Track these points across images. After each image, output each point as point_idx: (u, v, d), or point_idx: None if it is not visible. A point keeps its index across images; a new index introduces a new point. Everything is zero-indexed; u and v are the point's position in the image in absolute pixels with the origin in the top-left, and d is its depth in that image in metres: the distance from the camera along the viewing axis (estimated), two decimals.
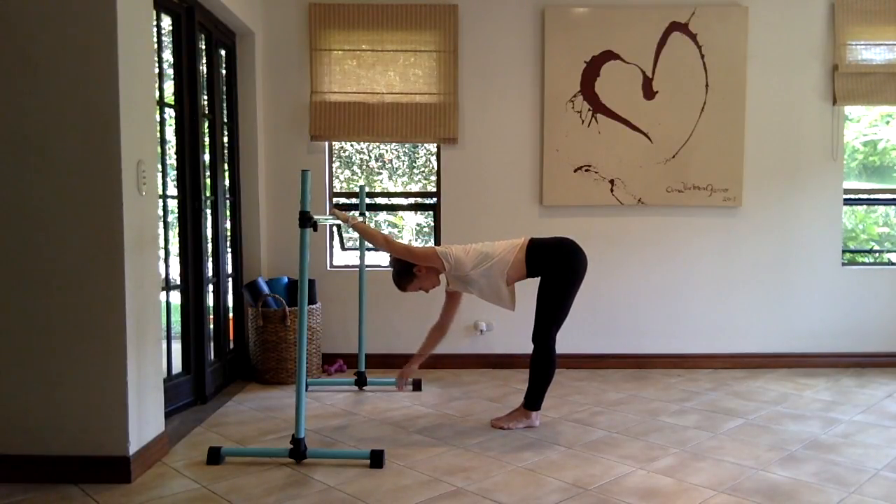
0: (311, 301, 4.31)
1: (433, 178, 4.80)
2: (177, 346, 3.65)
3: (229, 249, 4.30)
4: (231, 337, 4.35)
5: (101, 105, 2.62)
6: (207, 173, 3.94)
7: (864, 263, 5.05)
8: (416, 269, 3.30)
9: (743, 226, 4.62)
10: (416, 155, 5.13)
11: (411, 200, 4.89)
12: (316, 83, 4.48)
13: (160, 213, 3.16)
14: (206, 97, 3.94)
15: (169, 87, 3.57)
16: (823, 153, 4.61)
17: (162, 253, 3.24)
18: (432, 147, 4.80)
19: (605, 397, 3.93)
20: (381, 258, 4.84)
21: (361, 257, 4.12)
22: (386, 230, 5.39)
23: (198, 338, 3.73)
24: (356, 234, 3.78)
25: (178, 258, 3.68)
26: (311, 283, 4.28)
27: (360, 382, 4.06)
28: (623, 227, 4.61)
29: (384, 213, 5.32)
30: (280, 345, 4.17)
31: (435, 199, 4.70)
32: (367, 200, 4.61)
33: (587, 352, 4.61)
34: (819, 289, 4.65)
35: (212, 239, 3.98)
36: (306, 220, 2.84)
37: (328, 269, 4.64)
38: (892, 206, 5.26)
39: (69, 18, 2.59)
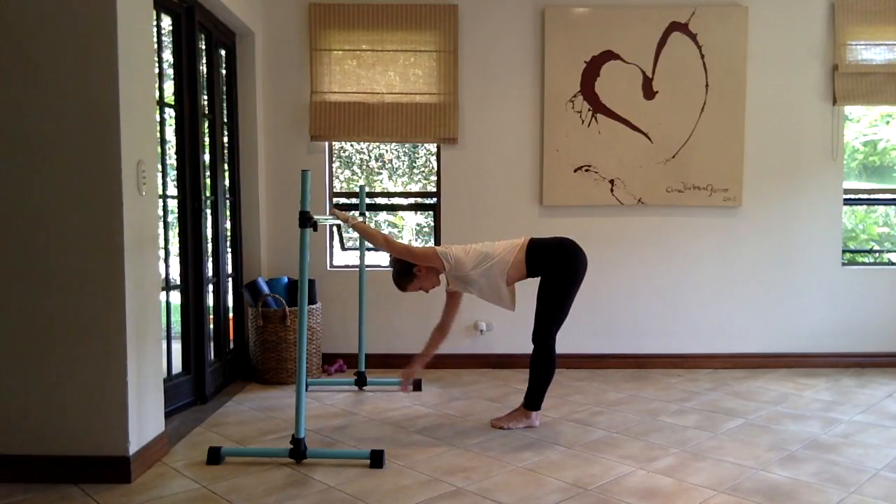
0: (311, 301, 4.31)
1: (433, 178, 4.80)
2: (177, 346, 3.66)
3: (229, 249, 4.30)
4: (231, 337, 4.35)
5: (101, 105, 2.62)
6: (207, 173, 3.94)
7: (864, 263, 5.05)
8: (416, 269, 3.30)
9: (743, 226, 4.62)
10: (416, 155, 5.13)
11: (411, 200, 4.89)
12: (316, 83, 4.48)
13: (160, 213, 3.16)
14: (206, 97, 3.94)
15: (169, 87, 3.57)
16: (823, 153, 4.61)
17: (162, 253, 3.24)
18: (432, 147, 4.80)
19: (605, 397, 3.93)
20: (381, 258, 4.84)
21: (361, 257, 4.12)
22: (386, 230, 5.39)
23: (198, 338, 3.73)
24: (356, 234, 3.78)
25: (178, 258, 3.68)
26: (311, 283, 4.28)
27: (360, 382, 4.06)
28: (623, 227, 4.61)
29: (384, 213, 5.32)
30: (280, 345, 4.17)
31: (435, 199, 4.70)
32: (367, 200, 4.61)
33: (587, 352, 4.61)
34: (819, 289, 4.65)
35: (212, 239, 3.98)
36: (306, 220, 2.84)
37: (328, 269, 4.64)
38: (892, 206, 5.26)
39: (69, 18, 2.59)
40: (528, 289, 3.37)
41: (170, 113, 3.55)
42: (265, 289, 4.24)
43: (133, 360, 2.72)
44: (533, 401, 3.36)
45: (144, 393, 2.82)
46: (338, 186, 4.80)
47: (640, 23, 4.48)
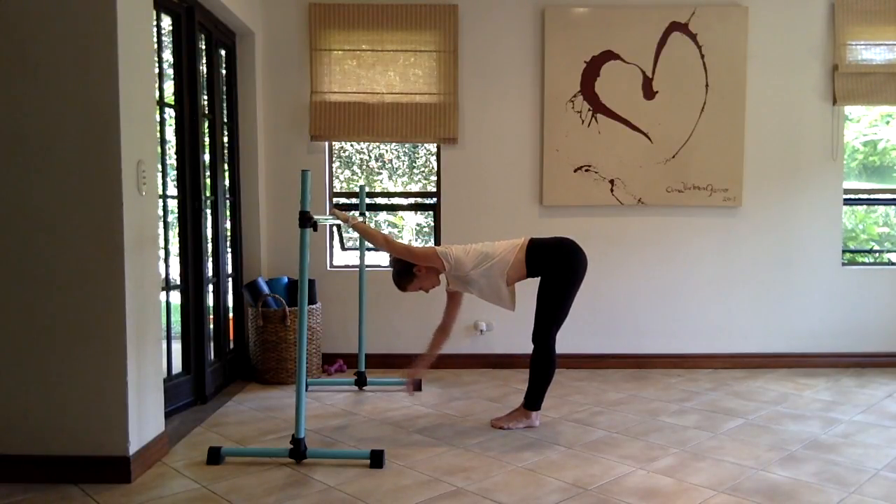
0: (311, 301, 4.31)
1: (433, 178, 4.80)
2: (177, 346, 3.66)
3: (229, 249, 4.30)
4: (231, 337, 4.35)
5: (101, 105, 2.62)
6: (207, 173, 3.94)
7: (864, 263, 5.06)
8: (416, 269, 3.30)
9: (743, 226, 4.62)
10: (416, 155, 5.13)
11: (411, 200, 4.89)
12: (316, 83, 4.48)
13: (160, 213, 3.16)
14: (206, 97, 3.94)
15: (169, 87, 3.57)
16: (823, 153, 4.61)
17: (162, 253, 3.24)
18: (432, 147, 4.80)
19: (605, 397, 3.93)
20: (381, 258, 4.84)
21: (361, 257, 4.12)
22: (386, 230, 5.39)
23: (198, 338, 3.73)
24: (356, 234, 3.78)
25: (178, 258, 3.68)
26: (311, 283, 4.28)
27: (360, 382, 4.06)
28: (623, 227, 4.61)
29: (384, 213, 5.32)
30: (280, 345, 4.17)
31: (435, 199, 4.70)
32: (367, 200, 4.61)
33: (587, 352, 4.61)
34: (819, 289, 4.65)
35: (212, 239, 3.98)
36: (306, 220, 2.84)
37: (328, 269, 4.64)
38: (892, 206, 5.26)
39: (69, 18, 2.59)
40: (528, 289, 3.37)
41: (170, 113, 3.55)
42: (265, 289, 4.24)
43: (133, 360, 2.72)
44: (533, 401, 3.36)
45: (144, 393, 2.82)
46: (338, 186, 4.80)
47: (640, 23, 4.48)
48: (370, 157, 5.16)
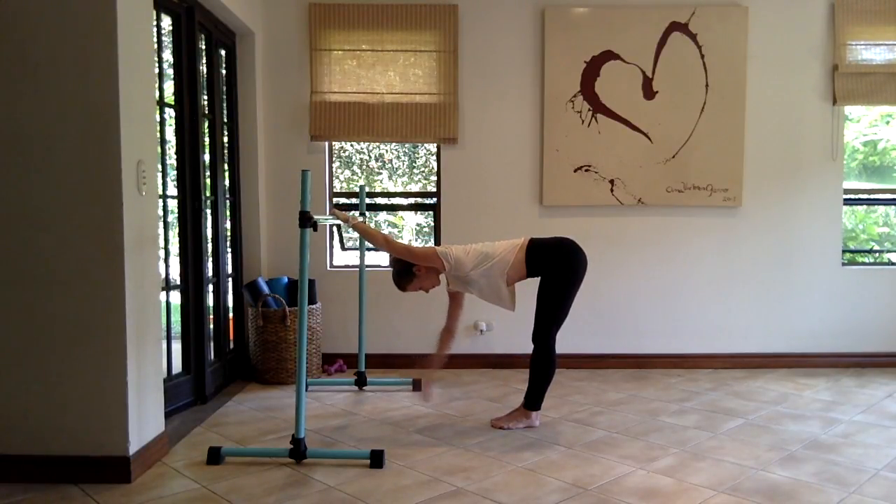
0: (311, 301, 4.31)
1: (433, 178, 4.80)
2: (177, 346, 3.66)
3: (229, 249, 4.30)
4: (231, 337, 4.35)
5: (101, 105, 2.62)
6: (207, 173, 3.94)
7: (864, 263, 5.06)
8: (415, 269, 3.30)
9: (743, 226, 4.62)
10: (416, 155, 5.13)
11: (411, 200, 4.89)
12: (316, 83, 4.48)
13: (160, 213, 3.16)
14: (206, 97, 3.94)
15: (169, 87, 3.57)
16: (823, 153, 4.61)
17: (162, 253, 3.24)
18: (432, 147, 4.80)
19: (605, 397, 3.93)
20: (381, 258, 4.84)
21: (361, 257, 4.11)
22: (386, 230, 5.39)
23: (198, 338, 3.73)
24: (356, 234, 3.78)
25: (178, 258, 3.68)
26: (311, 283, 4.27)
27: (360, 382, 4.06)
28: (623, 227, 4.61)
29: (384, 213, 5.32)
30: (280, 345, 4.17)
31: (435, 199, 4.70)
32: (367, 200, 4.61)
33: (587, 352, 4.61)
34: (819, 289, 4.65)
35: (212, 239, 3.98)
36: (306, 220, 2.84)
37: (328, 269, 4.64)
38: (892, 206, 5.26)
39: (69, 18, 2.59)
40: (528, 289, 3.37)
41: (170, 113, 3.55)
42: (265, 289, 4.24)
43: (133, 360, 2.72)
44: (533, 401, 3.36)
45: (144, 393, 2.82)
46: (338, 186, 4.80)
47: (640, 23, 4.48)
48: (370, 157, 5.16)
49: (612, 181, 4.54)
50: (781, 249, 4.64)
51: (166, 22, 3.55)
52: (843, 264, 4.70)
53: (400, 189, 5.14)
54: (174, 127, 3.57)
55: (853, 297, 4.66)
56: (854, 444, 3.15)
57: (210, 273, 3.93)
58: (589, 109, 4.51)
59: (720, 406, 3.75)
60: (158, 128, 3.31)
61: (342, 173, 5.01)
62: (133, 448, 2.71)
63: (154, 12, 3.16)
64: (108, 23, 2.60)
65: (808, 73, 4.57)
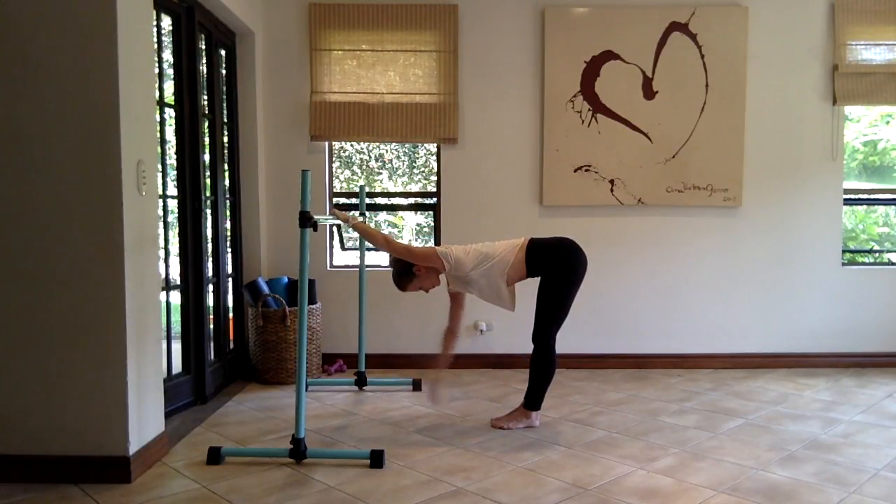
0: (311, 301, 4.31)
1: (433, 178, 4.80)
2: (177, 346, 3.66)
3: (229, 249, 4.30)
4: (231, 337, 4.35)
5: (101, 105, 2.62)
6: (207, 173, 3.94)
7: (864, 263, 5.06)
8: (415, 269, 3.30)
9: (743, 226, 4.62)
10: (416, 155, 5.13)
11: (411, 200, 4.89)
12: (316, 83, 4.48)
13: (160, 213, 3.16)
14: (206, 97, 3.94)
15: (169, 87, 3.57)
16: (823, 153, 4.61)
17: (162, 253, 3.24)
18: (432, 147, 4.80)
19: (605, 397, 3.93)
20: (381, 258, 4.84)
21: (361, 257, 4.12)
22: (386, 230, 5.39)
23: (198, 338, 3.73)
24: (356, 234, 3.78)
25: (178, 258, 3.68)
26: (311, 283, 4.27)
27: (360, 382, 4.06)
28: (623, 227, 4.61)
29: (384, 213, 5.32)
30: (280, 345, 4.17)
31: (435, 199, 4.70)
32: (367, 200, 4.61)
33: (587, 352, 4.61)
34: (819, 289, 4.65)
35: (212, 239, 3.98)
36: (306, 220, 2.84)
37: (328, 269, 4.64)
38: (892, 206, 5.26)
39: (69, 18, 2.59)
40: (528, 289, 3.37)
41: (170, 113, 3.55)
42: (265, 289, 4.24)
43: (133, 360, 2.72)
44: (533, 401, 3.36)
45: (144, 393, 2.82)
46: (338, 186, 4.80)
47: (640, 23, 4.48)
48: (370, 157, 5.16)
49: (612, 181, 4.54)
50: (781, 249, 4.64)
51: (166, 22, 3.55)
52: (843, 264, 4.70)
53: (400, 189, 5.14)
54: (174, 127, 3.57)
55: (853, 297, 4.66)
56: (854, 444, 3.15)
57: (210, 273, 3.93)
58: (589, 109, 4.51)
59: (720, 406, 3.75)
60: (158, 128, 3.32)
61: (342, 173, 5.01)
62: (133, 448, 2.71)
63: (154, 12, 3.16)
64: (108, 23, 2.60)
65: (808, 73, 4.57)
